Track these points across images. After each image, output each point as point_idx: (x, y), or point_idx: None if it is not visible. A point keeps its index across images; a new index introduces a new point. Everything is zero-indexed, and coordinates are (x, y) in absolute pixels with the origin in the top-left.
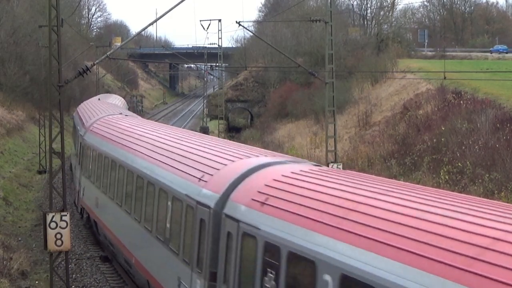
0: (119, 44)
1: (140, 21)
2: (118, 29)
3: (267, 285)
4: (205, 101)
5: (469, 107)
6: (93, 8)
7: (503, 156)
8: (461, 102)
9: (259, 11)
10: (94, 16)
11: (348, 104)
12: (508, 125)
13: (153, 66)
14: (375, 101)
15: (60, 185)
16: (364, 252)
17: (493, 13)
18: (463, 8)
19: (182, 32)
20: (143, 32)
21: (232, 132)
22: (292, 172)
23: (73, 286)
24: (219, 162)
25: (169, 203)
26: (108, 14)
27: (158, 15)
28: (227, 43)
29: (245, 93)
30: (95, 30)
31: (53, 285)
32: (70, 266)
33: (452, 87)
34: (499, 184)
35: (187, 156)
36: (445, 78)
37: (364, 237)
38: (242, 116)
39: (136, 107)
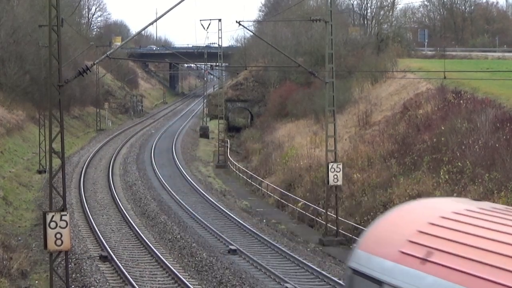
0: (119, 43)
1: (140, 21)
2: (118, 28)
3: None
4: (205, 101)
5: (469, 107)
6: (93, 8)
7: (503, 155)
8: (461, 101)
9: (259, 10)
10: (94, 16)
11: (348, 104)
12: (508, 124)
13: (153, 65)
14: (375, 101)
15: (60, 185)
16: None
17: (493, 12)
18: (463, 7)
19: (182, 32)
20: (143, 32)
21: (232, 131)
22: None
23: (72, 286)
24: None
25: None
26: (108, 14)
27: (158, 15)
28: (227, 42)
29: (245, 93)
30: (95, 30)
31: (52, 285)
32: (69, 266)
33: (452, 86)
34: (499, 183)
35: None
36: (445, 77)
37: None
38: (242, 116)
39: (136, 107)
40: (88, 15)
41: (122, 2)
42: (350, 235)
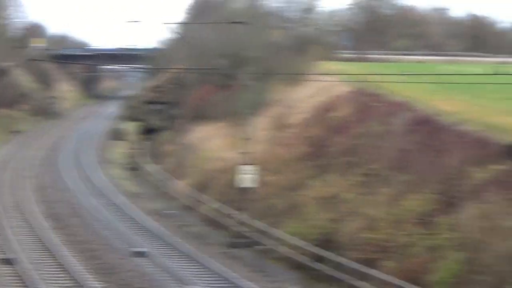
0: (37, 45)
1: (58, 22)
2: (37, 30)
3: None
4: (122, 103)
5: (385, 110)
6: (10, 9)
7: (415, 158)
8: (378, 104)
9: (187, 13)
10: (11, 17)
11: (265, 106)
12: (421, 127)
13: (73, 67)
14: (292, 103)
15: None
16: None
17: (415, 16)
18: (386, 11)
19: (105, 34)
20: (62, 33)
21: (150, 133)
22: None
23: None
24: None
25: None
26: (25, 15)
27: (78, 17)
28: (151, 44)
29: (165, 95)
30: (12, 31)
31: None
32: None
33: (369, 89)
34: (411, 185)
35: None
36: (363, 81)
37: None
38: (160, 118)
39: (52, 108)
40: (5, 16)
41: (41, 3)
42: (260, 238)
